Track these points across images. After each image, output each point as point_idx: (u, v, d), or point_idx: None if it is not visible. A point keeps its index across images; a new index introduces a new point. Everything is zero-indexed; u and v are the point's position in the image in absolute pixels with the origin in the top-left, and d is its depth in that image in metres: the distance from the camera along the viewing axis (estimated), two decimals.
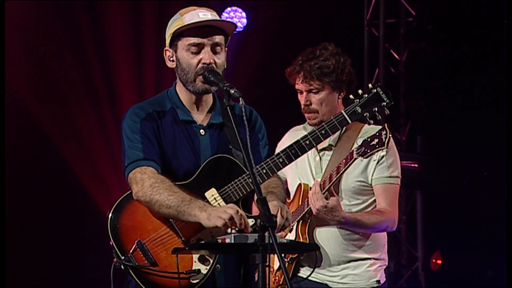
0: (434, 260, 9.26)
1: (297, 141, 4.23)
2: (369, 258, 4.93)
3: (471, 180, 8.95)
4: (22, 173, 7.81)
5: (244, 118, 3.85)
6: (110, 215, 4.11)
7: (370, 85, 4.35)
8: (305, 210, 4.81)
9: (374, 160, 4.85)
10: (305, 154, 4.79)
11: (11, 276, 7.30)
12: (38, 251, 7.84)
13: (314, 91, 4.88)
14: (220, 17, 4.24)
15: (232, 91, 3.93)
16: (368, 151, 4.57)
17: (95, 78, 8.13)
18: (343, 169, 4.68)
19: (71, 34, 8.03)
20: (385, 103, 4.32)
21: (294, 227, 4.88)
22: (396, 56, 9.22)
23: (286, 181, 5.07)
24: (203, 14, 4.15)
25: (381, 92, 4.32)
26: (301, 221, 4.86)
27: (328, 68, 4.86)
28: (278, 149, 4.52)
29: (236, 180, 4.14)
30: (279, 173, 4.91)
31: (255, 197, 3.82)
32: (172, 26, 4.19)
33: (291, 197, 5.00)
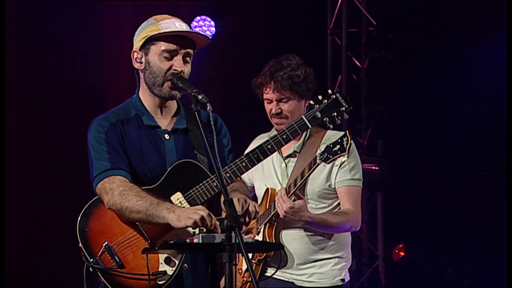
0: (397, 251, 9.34)
1: (260, 146, 4.28)
2: (334, 257, 5.02)
3: (441, 181, 9.09)
4: (21, 174, 7.88)
5: (212, 123, 3.91)
6: (79, 218, 4.15)
7: (329, 91, 4.40)
8: (272, 213, 4.89)
9: (337, 165, 4.93)
10: (271, 162, 4.99)
11: (11, 276, 7.34)
12: (39, 251, 7.89)
13: (284, 100, 4.97)
14: (190, 26, 4.32)
15: (200, 97, 3.97)
16: (330, 156, 4.67)
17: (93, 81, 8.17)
18: (307, 174, 4.77)
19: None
20: (344, 108, 4.36)
21: (261, 230, 4.96)
22: (358, 64, 9.31)
23: (253, 187, 5.15)
24: (179, 25, 4.21)
25: (340, 98, 4.37)
26: (268, 224, 4.94)
27: (299, 77, 4.94)
28: None
29: (200, 184, 4.18)
30: (246, 181, 5.03)
31: (222, 199, 3.93)
32: (146, 30, 4.23)
33: (259, 202, 5.05)
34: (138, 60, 4.27)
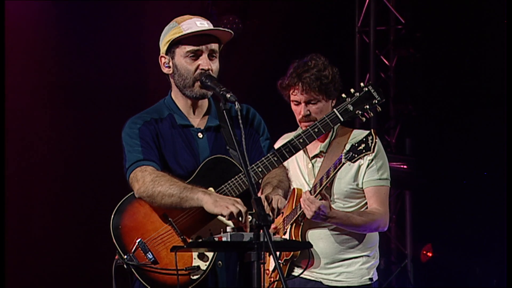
0: (424, 252, 9.34)
1: (291, 140, 4.27)
2: (362, 256, 5.01)
3: (471, 180, 9.03)
4: (24, 173, 7.88)
5: (240, 121, 3.94)
6: (112, 216, 4.17)
7: (362, 84, 4.37)
8: (298, 214, 4.88)
9: (364, 165, 4.93)
10: (296, 162, 4.99)
11: (11, 276, 7.31)
12: (41, 250, 7.87)
13: (313, 101, 4.93)
14: (216, 25, 4.29)
15: (228, 95, 4.01)
16: (356, 155, 4.66)
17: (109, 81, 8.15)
18: (333, 173, 4.75)
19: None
20: (376, 101, 4.33)
21: (288, 230, 4.95)
22: (386, 62, 9.32)
23: None
24: (200, 23, 4.24)
25: (372, 90, 4.33)
26: (294, 224, 4.93)
27: (327, 78, 4.92)
28: None
29: (232, 179, 4.19)
30: None
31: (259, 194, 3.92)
32: (169, 34, 4.26)
33: None
34: (166, 65, 4.32)
